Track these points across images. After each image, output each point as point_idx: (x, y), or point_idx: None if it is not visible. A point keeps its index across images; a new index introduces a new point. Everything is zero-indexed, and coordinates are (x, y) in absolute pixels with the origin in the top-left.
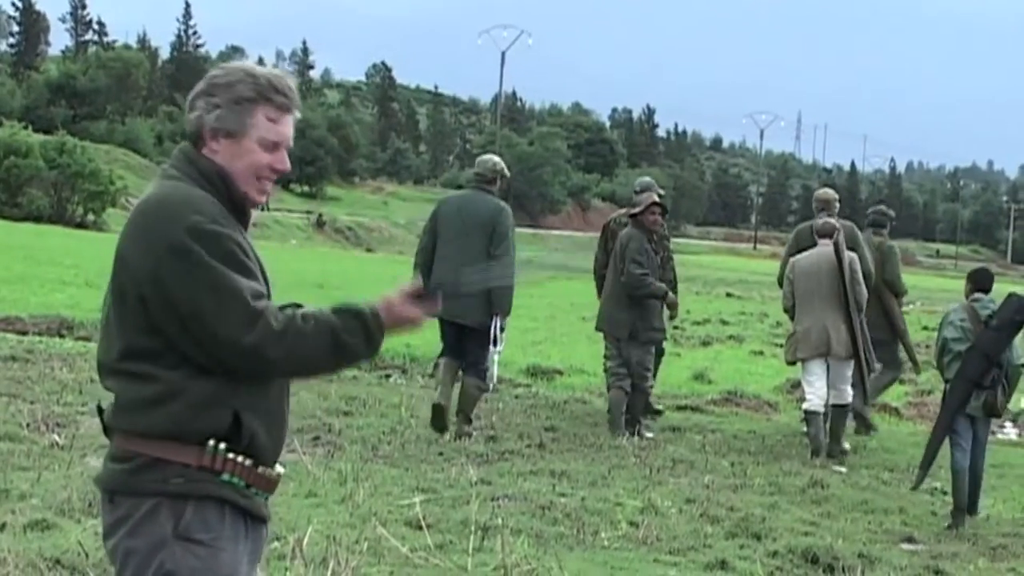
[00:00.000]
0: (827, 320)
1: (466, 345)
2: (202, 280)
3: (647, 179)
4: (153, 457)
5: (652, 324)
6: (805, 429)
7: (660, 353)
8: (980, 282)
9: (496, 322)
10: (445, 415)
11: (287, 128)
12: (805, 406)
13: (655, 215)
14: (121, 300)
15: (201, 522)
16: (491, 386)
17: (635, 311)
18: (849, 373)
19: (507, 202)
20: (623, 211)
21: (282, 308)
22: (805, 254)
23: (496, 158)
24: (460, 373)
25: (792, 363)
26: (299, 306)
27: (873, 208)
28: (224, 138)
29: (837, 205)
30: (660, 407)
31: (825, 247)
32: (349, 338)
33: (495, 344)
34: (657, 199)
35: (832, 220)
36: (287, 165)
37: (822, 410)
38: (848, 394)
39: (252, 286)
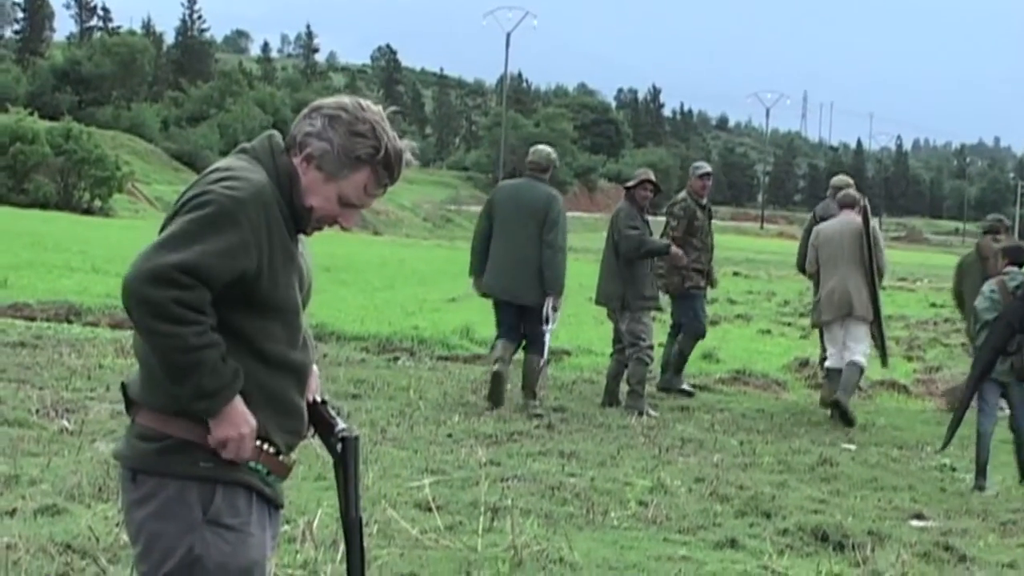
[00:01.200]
0: (849, 282)
1: (524, 324)
2: (177, 227)
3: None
4: (182, 439)
5: (642, 293)
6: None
7: (699, 336)
8: (1014, 256)
9: (549, 301)
10: (502, 385)
11: (373, 196)
12: (827, 364)
13: (647, 191)
14: None
15: (231, 507)
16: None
17: (626, 281)
18: (863, 333)
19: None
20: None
21: None
22: (829, 222)
23: (549, 148)
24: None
25: (816, 327)
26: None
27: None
28: (315, 170)
29: (852, 190)
30: (689, 388)
31: (848, 216)
32: (207, 382)
33: (547, 322)
34: (652, 178)
35: (852, 191)
36: (352, 224)
37: (841, 366)
38: (860, 353)
39: (197, 261)
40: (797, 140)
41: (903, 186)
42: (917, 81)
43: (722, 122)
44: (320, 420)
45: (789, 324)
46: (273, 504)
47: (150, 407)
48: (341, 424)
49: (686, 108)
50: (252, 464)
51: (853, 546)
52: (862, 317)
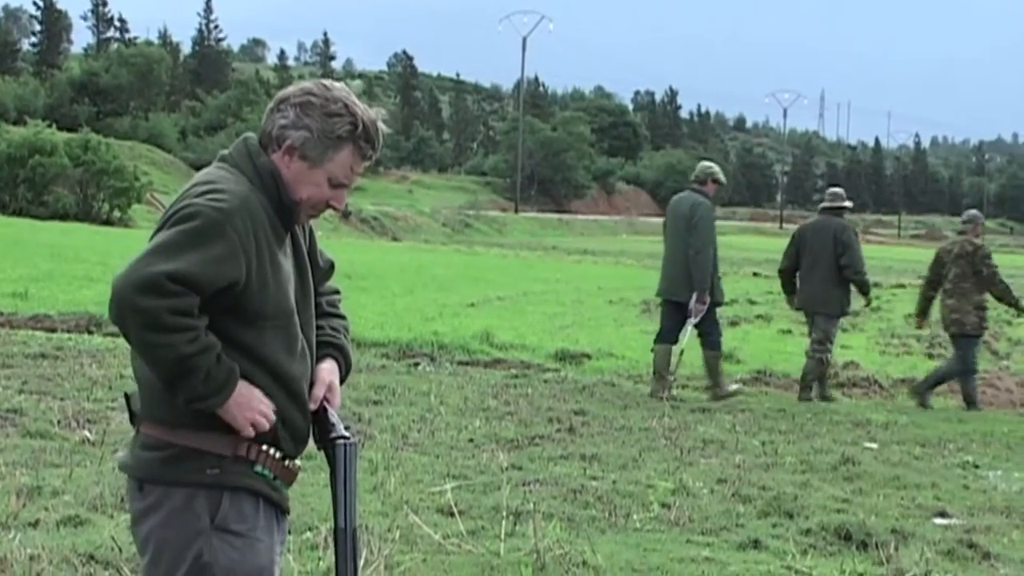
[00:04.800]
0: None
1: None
2: (161, 238)
3: (974, 212)
4: (188, 447)
5: (848, 300)
6: None
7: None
8: None
9: (694, 297)
10: (665, 379)
11: (359, 173)
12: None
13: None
14: None
15: (238, 513)
16: (681, 352)
17: (838, 287)
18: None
19: (533, 188)
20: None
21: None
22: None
23: (707, 163)
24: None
25: None
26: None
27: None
28: (299, 160)
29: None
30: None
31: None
32: (203, 387)
33: (689, 316)
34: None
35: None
36: (343, 205)
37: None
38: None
39: (185, 270)
40: (815, 139)
41: (922, 184)
42: (935, 79)
43: (740, 123)
44: (320, 426)
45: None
46: (280, 509)
47: (152, 419)
48: (340, 430)
49: (703, 109)
50: (259, 469)
51: (876, 545)
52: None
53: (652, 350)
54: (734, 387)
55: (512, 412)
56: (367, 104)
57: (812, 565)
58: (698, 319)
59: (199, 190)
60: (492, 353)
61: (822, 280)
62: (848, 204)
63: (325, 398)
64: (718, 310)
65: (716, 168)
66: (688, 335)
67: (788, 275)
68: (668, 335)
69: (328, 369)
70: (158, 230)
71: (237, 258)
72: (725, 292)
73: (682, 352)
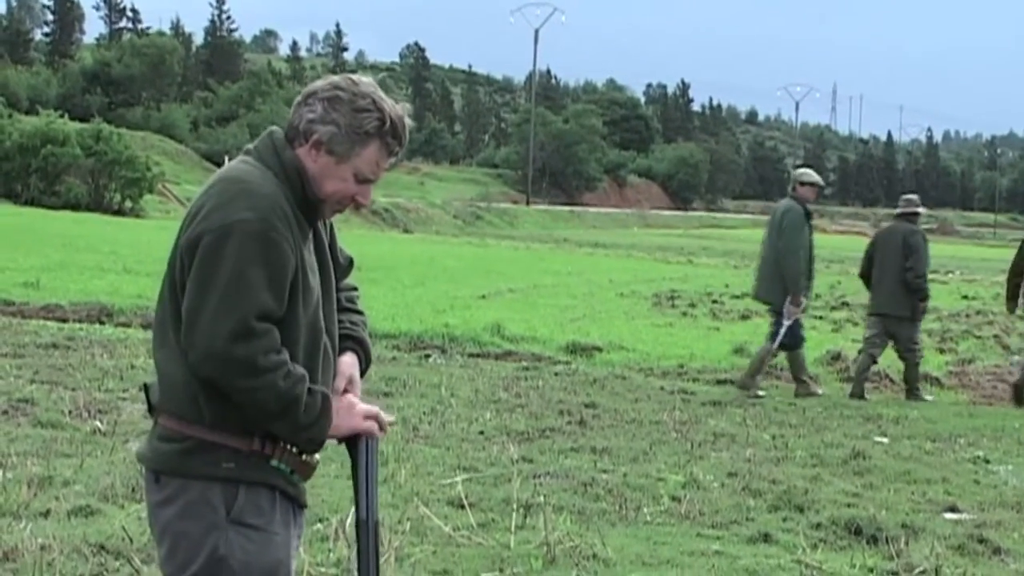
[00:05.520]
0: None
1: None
2: (219, 277)
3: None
4: (205, 439)
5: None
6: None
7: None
8: None
9: (788, 298)
10: (806, 382)
11: (384, 168)
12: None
13: None
14: (180, 283)
15: (254, 507)
16: (774, 350)
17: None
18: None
19: (545, 180)
20: None
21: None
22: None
23: (800, 169)
24: None
25: None
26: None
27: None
28: (326, 154)
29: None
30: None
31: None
32: (304, 418)
33: (784, 317)
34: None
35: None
36: (368, 200)
37: None
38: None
39: (266, 303)
40: (827, 133)
41: (934, 178)
42: (947, 73)
43: (751, 116)
44: None
45: (820, 318)
46: (297, 503)
47: (170, 412)
48: None
49: (715, 102)
50: (276, 463)
51: (887, 539)
52: None
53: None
54: (762, 393)
55: (523, 405)
56: (393, 99)
57: (822, 559)
58: (792, 320)
59: (228, 194)
60: (503, 345)
61: (891, 284)
62: (919, 210)
63: (345, 390)
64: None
65: (806, 172)
66: (782, 335)
67: (866, 280)
68: (796, 341)
69: (349, 363)
70: (192, 236)
71: (289, 257)
72: (738, 284)
73: (775, 353)
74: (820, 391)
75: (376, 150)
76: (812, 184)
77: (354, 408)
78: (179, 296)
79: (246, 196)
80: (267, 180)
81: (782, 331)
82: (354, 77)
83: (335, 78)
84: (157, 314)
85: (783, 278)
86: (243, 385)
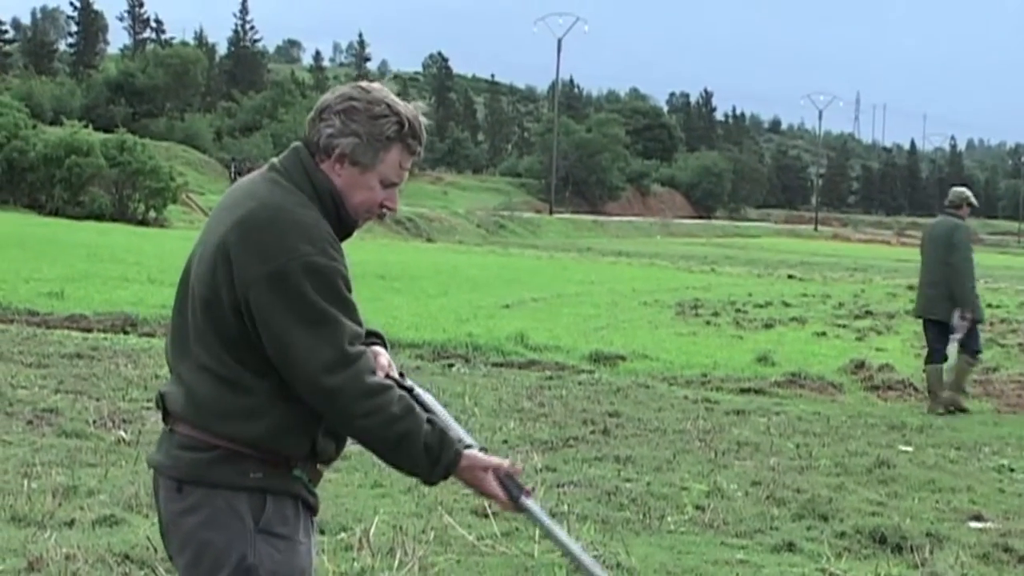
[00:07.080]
0: None
1: (941, 337)
2: (303, 313)
3: None
4: (232, 450)
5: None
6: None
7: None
8: None
9: (956, 313)
10: (939, 397)
11: (407, 169)
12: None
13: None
14: (214, 300)
15: (281, 516)
16: (947, 361)
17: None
18: None
19: (568, 189)
20: None
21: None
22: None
23: (961, 188)
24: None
25: None
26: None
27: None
28: (351, 166)
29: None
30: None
31: None
32: (419, 452)
33: (953, 332)
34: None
35: None
36: (397, 205)
37: None
38: None
39: (352, 328)
40: (850, 142)
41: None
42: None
43: (775, 125)
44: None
45: (844, 326)
46: (313, 511)
47: (194, 423)
48: (409, 382)
49: (738, 111)
50: (297, 473)
51: (911, 548)
52: None
53: (924, 371)
54: (966, 404)
55: (546, 414)
56: (405, 100)
57: (846, 568)
58: (961, 334)
59: (278, 228)
60: (526, 355)
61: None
62: (966, 203)
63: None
64: (978, 326)
65: (968, 193)
66: (955, 351)
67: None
68: (937, 355)
69: (386, 356)
70: (255, 274)
71: (348, 278)
72: (762, 293)
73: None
74: (941, 411)
75: (398, 153)
76: (973, 205)
77: (481, 469)
78: (211, 309)
79: (297, 228)
80: (305, 205)
81: (970, 339)
82: (364, 84)
83: (344, 89)
84: (175, 323)
85: (951, 295)
86: (359, 408)
